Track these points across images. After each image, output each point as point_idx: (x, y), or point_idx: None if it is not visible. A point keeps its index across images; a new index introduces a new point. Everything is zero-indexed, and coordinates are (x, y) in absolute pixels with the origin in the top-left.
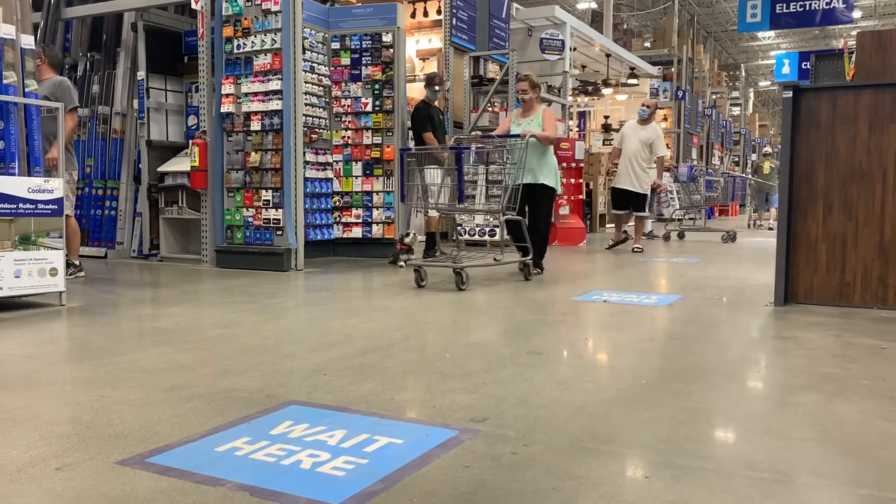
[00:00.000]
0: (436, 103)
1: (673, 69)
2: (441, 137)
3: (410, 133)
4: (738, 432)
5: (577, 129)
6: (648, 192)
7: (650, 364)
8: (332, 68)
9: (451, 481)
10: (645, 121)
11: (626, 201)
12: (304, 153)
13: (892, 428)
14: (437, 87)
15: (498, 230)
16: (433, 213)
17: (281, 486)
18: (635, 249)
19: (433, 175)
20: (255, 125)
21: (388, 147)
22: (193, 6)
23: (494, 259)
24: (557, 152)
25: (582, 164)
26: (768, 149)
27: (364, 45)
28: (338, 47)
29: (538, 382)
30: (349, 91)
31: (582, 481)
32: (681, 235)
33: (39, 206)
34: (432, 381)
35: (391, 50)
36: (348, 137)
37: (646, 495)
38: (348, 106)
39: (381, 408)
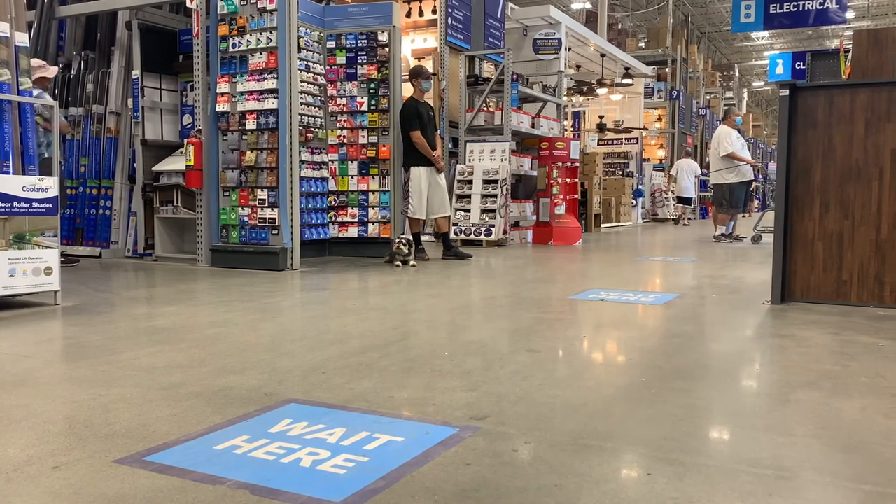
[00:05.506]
0: (426, 98)
1: (667, 69)
2: (431, 135)
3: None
4: (739, 429)
5: (572, 128)
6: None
7: (649, 362)
8: (327, 67)
9: (453, 479)
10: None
11: None
12: (300, 152)
13: (893, 424)
14: (427, 77)
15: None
16: (417, 216)
17: (281, 484)
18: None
19: (420, 175)
20: (251, 124)
21: (383, 146)
22: (189, 4)
23: None
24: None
25: (577, 164)
26: None
27: (360, 44)
28: (333, 46)
29: (538, 380)
30: (345, 90)
31: (584, 478)
32: (756, 239)
33: (34, 204)
34: (431, 380)
35: (387, 49)
36: (344, 136)
37: (648, 492)
38: (344, 105)
39: (380, 406)
